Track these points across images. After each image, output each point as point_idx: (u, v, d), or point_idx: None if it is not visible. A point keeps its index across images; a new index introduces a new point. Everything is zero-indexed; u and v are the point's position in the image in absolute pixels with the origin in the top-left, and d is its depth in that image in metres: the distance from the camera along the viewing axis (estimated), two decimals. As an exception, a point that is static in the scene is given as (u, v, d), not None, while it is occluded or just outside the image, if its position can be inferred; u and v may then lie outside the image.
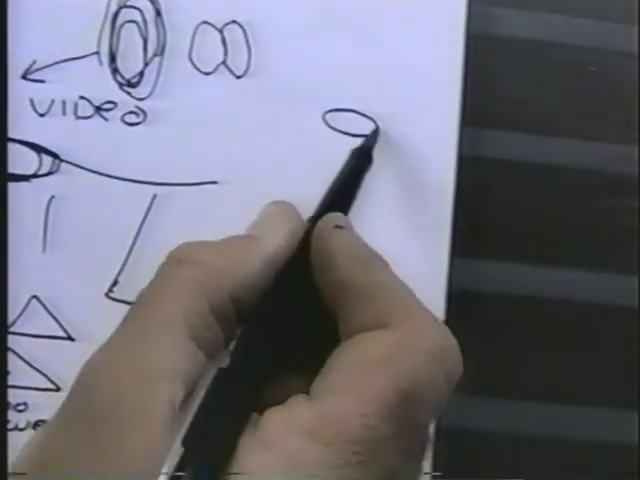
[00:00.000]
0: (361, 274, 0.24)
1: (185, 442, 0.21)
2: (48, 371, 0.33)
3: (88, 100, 0.33)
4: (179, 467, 0.20)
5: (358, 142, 0.33)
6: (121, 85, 0.33)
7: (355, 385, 0.21)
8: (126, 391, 0.21)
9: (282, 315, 0.25)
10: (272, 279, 0.25)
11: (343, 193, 0.30)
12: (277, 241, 0.26)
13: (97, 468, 0.20)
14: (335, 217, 0.27)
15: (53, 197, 0.33)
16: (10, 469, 0.21)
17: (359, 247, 0.26)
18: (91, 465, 0.20)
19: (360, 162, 0.31)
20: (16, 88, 0.33)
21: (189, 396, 0.22)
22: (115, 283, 0.33)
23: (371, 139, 0.33)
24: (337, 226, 0.26)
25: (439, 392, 0.22)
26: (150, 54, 0.33)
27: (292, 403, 0.22)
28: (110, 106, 0.33)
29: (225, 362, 0.22)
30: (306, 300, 0.25)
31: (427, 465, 0.34)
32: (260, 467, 0.20)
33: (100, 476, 0.20)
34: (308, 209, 0.30)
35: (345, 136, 0.34)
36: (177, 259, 0.24)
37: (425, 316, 0.24)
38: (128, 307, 0.24)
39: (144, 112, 0.33)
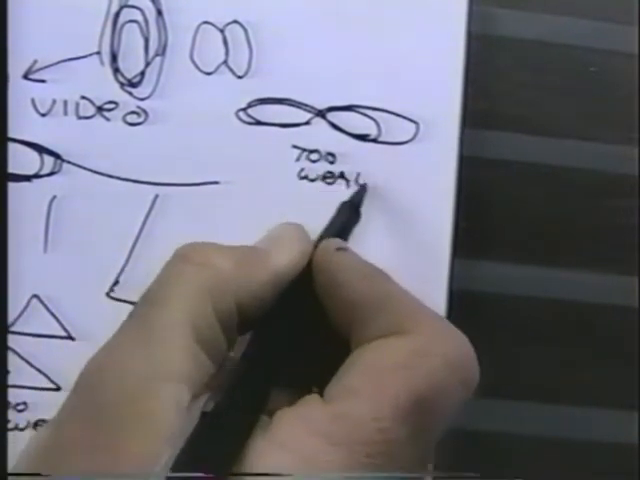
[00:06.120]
0: (369, 288, 0.24)
1: None
2: (48, 371, 0.33)
3: (89, 100, 0.33)
4: None
5: (354, 142, 0.33)
6: (122, 85, 0.33)
7: (370, 388, 0.21)
8: (131, 392, 0.21)
9: (280, 336, 0.25)
10: (277, 296, 0.25)
11: (341, 226, 0.30)
12: (287, 258, 0.26)
13: (99, 468, 0.20)
14: (335, 241, 0.27)
15: (55, 197, 0.33)
16: (11, 470, 0.21)
17: (362, 264, 0.26)
18: (93, 465, 0.20)
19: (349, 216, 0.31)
20: (17, 88, 0.33)
21: (194, 398, 0.22)
22: (116, 283, 0.33)
23: (359, 195, 0.32)
24: (339, 249, 0.26)
25: (454, 398, 0.23)
26: (151, 54, 0.33)
27: (305, 404, 0.22)
28: (111, 106, 0.33)
29: (209, 406, 0.22)
30: (309, 318, 0.25)
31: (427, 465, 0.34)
32: (276, 469, 0.20)
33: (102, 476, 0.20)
34: (310, 206, 0.30)
35: (345, 135, 0.34)
36: (183, 258, 0.24)
37: (439, 323, 0.24)
38: (129, 307, 0.24)
39: (145, 112, 0.33)
